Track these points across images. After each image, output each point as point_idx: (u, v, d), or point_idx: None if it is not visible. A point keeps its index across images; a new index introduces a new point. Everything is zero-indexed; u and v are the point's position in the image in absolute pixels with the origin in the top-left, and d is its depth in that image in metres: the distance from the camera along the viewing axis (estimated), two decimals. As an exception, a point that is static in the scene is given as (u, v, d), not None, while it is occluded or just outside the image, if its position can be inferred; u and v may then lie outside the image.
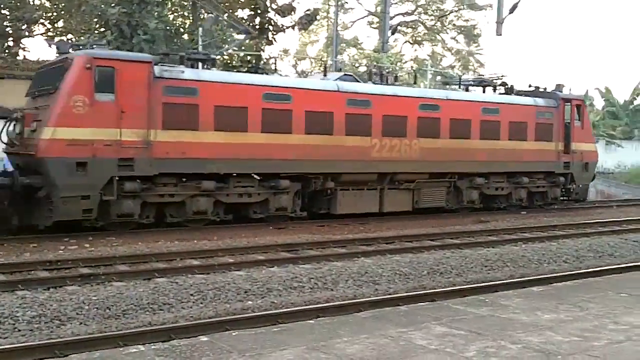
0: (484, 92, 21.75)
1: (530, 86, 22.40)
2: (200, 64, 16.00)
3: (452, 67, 54.72)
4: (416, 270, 11.80)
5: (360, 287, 10.76)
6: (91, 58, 13.86)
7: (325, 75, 19.01)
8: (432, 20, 47.42)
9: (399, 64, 40.34)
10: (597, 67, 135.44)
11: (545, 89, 22.21)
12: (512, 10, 24.55)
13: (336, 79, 18.02)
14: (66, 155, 13.40)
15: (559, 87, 22.76)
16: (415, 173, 18.52)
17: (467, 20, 49.13)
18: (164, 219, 15.26)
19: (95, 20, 21.31)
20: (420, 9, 45.24)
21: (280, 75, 17.18)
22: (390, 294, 10.18)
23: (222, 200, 15.73)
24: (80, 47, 15.14)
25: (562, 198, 22.62)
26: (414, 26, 47.20)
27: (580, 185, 22.71)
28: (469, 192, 19.88)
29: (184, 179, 15.15)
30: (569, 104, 22.11)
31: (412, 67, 49.82)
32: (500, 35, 24.48)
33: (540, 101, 21.54)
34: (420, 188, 18.77)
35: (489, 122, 19.89)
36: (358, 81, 18.63)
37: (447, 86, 23.41)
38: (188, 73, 15.22)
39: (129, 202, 14.33)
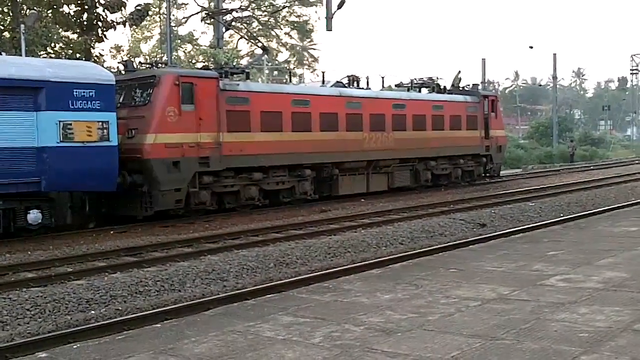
0: (419, 91, 26.17)
1: (452, 86, 27.44)
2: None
3: (288, 62, 55.64)
4: (263, 264, 11.96)
5: (208, 285, 10.72)
6: (178, 76, 16.94)
7: (323, 83, 23.07)
8: (265, 16, 47.83)
9: (235, 60, 40.22)
10: (421, 58, 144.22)
11: (464, 87, 27.60)
12: (340, 6, 25.35)
13: (332, 85, 22.40)
14: (165, 157, 16.29)
15: (476, 86, 28.98)
16: (391, 159, 23.11)
17: (299, 16, 50.16)
18: (221, 205, 18.18)
19: None
20: (253, 5, 45.39)
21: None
22: (238, 290, 10.24)
23: (264, 187, 19.06)
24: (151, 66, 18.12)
25: (483, 175, 27.97)
26: (248, 22, 47.30)
27: (496, 164, 28.32)
28: (424, 173, 24.71)
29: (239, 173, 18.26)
30: (487, 99, 27.63)
31: (248, 62, 49.96)
32: (331, 30, 25.26)
33: (469, 98, 26.73)
34: (394, 172, 23.42)
35: (437, 116, 24.86)
36: (346, 87, 22.56)
37: (394, 87, 27.36)
38: (242, 85, 18.63)
39: (205, 193, 17.44)
